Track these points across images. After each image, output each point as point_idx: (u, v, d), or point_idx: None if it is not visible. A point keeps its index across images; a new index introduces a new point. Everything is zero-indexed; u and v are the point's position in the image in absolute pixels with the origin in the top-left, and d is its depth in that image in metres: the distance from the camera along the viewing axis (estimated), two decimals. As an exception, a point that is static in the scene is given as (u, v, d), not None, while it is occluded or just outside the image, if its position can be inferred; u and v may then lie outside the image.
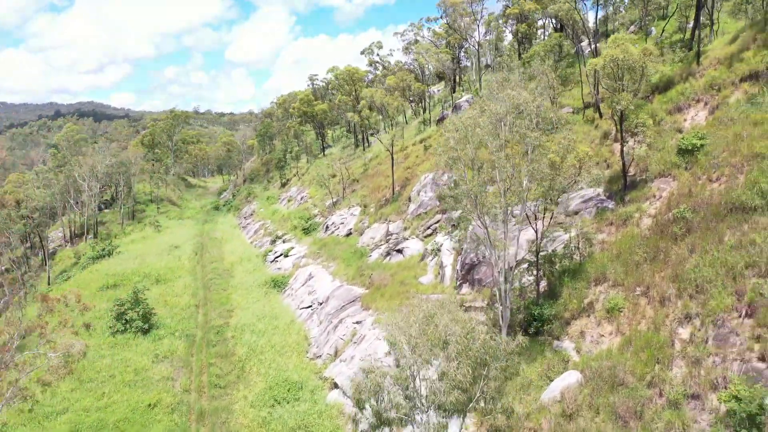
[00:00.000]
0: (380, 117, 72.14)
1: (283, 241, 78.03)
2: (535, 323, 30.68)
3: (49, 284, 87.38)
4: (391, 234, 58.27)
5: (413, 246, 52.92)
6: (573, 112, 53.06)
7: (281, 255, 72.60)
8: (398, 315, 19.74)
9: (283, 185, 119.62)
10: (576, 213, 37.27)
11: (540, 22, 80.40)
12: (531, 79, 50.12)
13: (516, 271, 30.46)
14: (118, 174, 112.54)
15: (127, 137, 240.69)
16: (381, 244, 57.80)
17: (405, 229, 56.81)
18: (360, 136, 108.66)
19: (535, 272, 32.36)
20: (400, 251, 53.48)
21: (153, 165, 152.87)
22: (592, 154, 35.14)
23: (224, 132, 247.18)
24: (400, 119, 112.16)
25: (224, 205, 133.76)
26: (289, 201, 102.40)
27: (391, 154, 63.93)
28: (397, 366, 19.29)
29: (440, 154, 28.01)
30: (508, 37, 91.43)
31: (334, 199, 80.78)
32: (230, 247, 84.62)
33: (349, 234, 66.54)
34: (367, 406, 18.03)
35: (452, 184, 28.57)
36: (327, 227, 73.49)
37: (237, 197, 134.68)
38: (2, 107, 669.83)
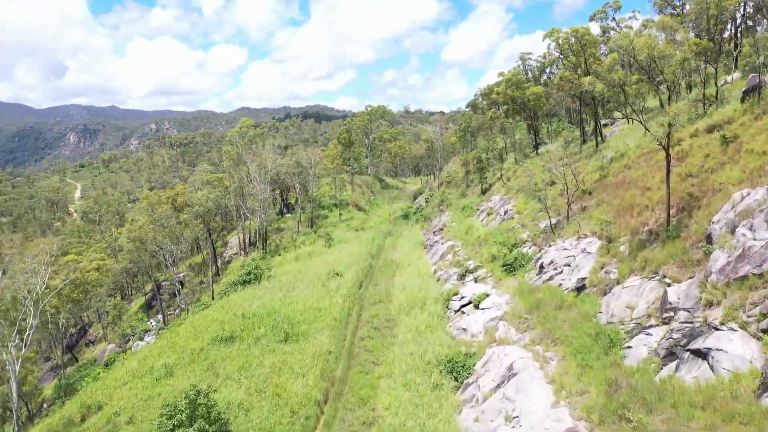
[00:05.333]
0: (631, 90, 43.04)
1: (475, 280, 53.27)
2: None
3: (213, 298, 75.15)
4: (672, 306, 29.99)
5: (735, 349, 24.34)
6: None
7: (470, 303, 48.10)
8: None
9: (484, 192, 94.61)
10: None
11: None
12: None
13: None
14: (294, 175, 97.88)
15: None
16: (650, 326, 29.97)
17: (708, 304, 27.88)
18: (589, 127, 79.16)
19: None
20: (701, 355, 25.40)
21: (347, 163, 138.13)
22: None
23: (430, 129, 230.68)
24: (649, 103, 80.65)
25: (414, 213, 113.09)
26: (488, 215, 77.13)
27: (666, 150, 35.04)
28: None
29: None
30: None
31: (554, 220, 53.68)
32: (405, 277, 62.26)
33: (580, 288, 39.17)
34: None
35: None
36: (542, 267, 46.93)
37: (429, 204, 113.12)
38: (246, 112, 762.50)
